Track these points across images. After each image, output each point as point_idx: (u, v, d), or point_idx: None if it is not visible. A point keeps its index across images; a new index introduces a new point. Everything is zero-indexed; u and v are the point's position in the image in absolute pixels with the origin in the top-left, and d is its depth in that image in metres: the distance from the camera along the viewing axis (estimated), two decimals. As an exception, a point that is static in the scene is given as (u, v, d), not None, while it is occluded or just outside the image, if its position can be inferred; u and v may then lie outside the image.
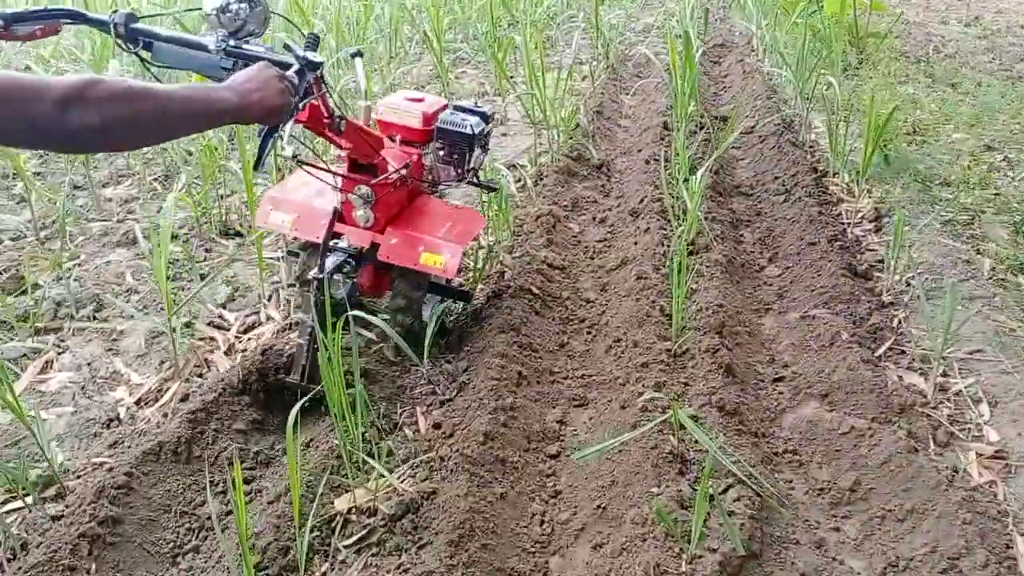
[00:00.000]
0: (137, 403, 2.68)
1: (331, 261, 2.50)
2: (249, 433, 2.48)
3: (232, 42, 1.85)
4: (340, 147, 2.44)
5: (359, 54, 2.72)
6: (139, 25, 1.87)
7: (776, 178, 4.39)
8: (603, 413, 2.57)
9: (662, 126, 5.14)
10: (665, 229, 3.71)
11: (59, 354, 2.93)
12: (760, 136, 4.99)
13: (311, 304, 2.40)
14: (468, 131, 2.78)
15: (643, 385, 2.54)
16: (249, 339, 3.03)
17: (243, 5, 1.85)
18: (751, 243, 3.83)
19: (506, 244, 3.63)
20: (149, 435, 2.40)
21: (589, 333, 3.10)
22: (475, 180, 3.01)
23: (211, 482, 2.29)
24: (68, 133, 1.20)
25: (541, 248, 3.56)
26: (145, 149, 4.76)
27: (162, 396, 2.70)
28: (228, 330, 3.09)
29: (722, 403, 2.45)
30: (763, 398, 2.70)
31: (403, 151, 2.77)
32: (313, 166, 2.38)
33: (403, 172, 2.61)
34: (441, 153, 2.84)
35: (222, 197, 4.33)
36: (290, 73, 1.61)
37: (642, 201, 4.05)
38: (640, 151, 4.94)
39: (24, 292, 3.25)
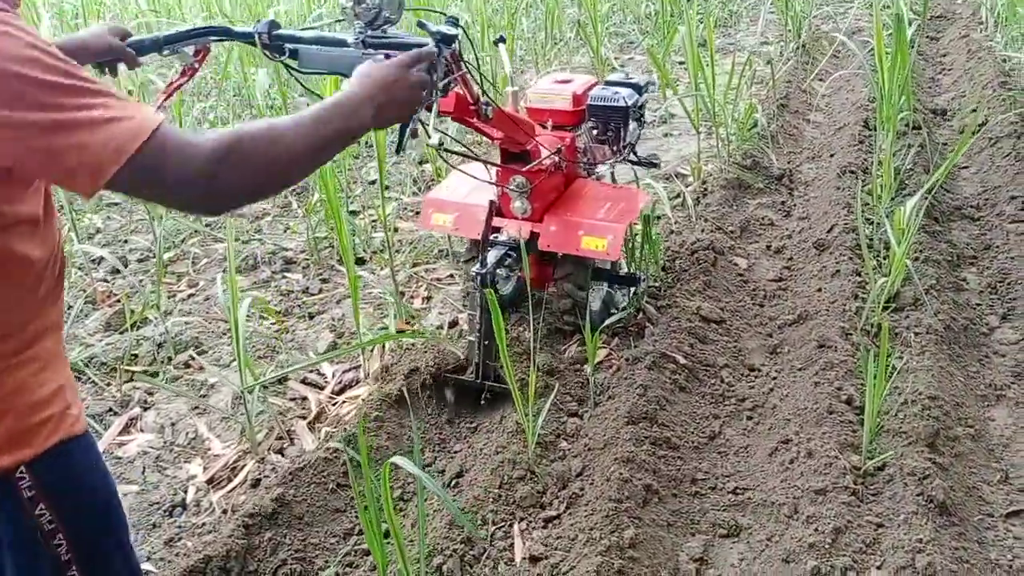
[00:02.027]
0: (209, 482, 2.36)
1: (492, 256, 2.46)
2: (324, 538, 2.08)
3: (370, 32, 1.73)
4: (490, 137, 2.37)
5: (502, 40, 2.59)
6: (282, 31, 1.81)
7: (1013, 198, 3.41)
8: (759, 555, 1.92)
9: (862, 124, 4.24)
10: (860, 273, 2.92)
11: (144, 410, 2.68)
12: (990, 137, 3.96)
13: (476, 299, 2.36)
14: (621, 104, 2.68)
15: (816, 529, 1.86)
16: (344, 402, 2.63)
17: None
18: (976, 291, 2.95)
19: (652, 286, 3.01)
20: (202, 539, 2.05)
21: (750, 419, 2.43)
22: (632, 156, 2.86)
23: (262, 609, 1.90)
24: (214, 194, 1.08)
25: (695, 295, 2.90)
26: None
27: (236, 475, 2.36)
28: (323, 389, 2.72)
29: (931, 571, 1.72)
30: (991, 546, 1.93)
31: (555, 136, 2.65)
32: (457, 153, 2.40)
33: (555, 156, 2.51)
34: (595, 132, 2.76)
35: (354, 214, 4.00)
36: (425, 50, 1.48)
37: (831, 230, 3.26)
38: (832, 156, 4.09)
39: (126, 330, 3.05)
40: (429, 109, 1.74)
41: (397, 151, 1.61)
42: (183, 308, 3.25)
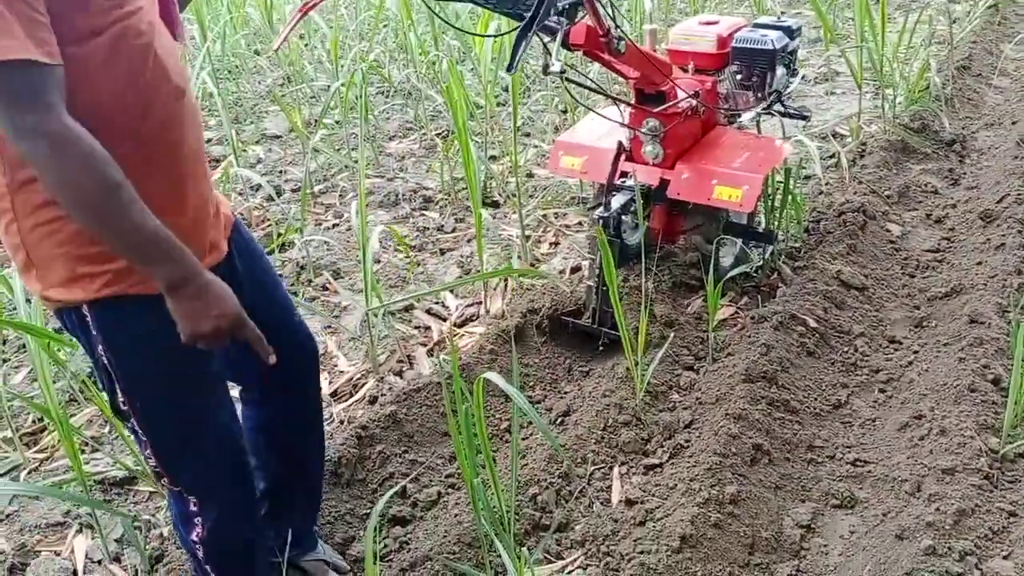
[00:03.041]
0: (332, 395, 2.49)
1: (617, 200, 2.40)
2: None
3: None
4: (624, 76, 2.27)
5: None
6: None
7: None
8: (872, 530, 1.81)
9: (1055, 90, 3.80)
10: (1029, 248, 2.65)
11: (281, 326, 2.84)
12: None
13: (597, 245, 2.26)
14: (768, 47, 2.52)
15: (938, 508, 1.72)
16: (464, 334, 2.69)
17: None
18: None
19: (791, 246, 2.85)
20: (318, 445, 2.18)
21: (882, 391, 2.27)
22: (780, 106, 2.71)
23: (367, 515, 2.00)
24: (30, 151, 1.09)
25: (837, 259, 2.73)
26: (432, 104, 4.65)
27: (356, 391, 2.47)
28: (445, 320, 2.79)
29: (1068, 567, 1.56)
30: None
31: (696, 80, 2.54)
32: (584, 86, 2.29)
33: (692, 99, 2.39)
34: (739, 77, 2.62)
35: (493, 159, 4.05)
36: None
37: (1002, 200, 2.97)
38: (1015, 124, 3.71)
39: (272, 252, 3.25)
40: (555, 36, 1.72)
41: (509, 68, 1.60)
42: (326, 236, 3.41)
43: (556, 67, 1.64)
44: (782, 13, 5.39)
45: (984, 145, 3.63)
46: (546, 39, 1.69)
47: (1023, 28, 4.84)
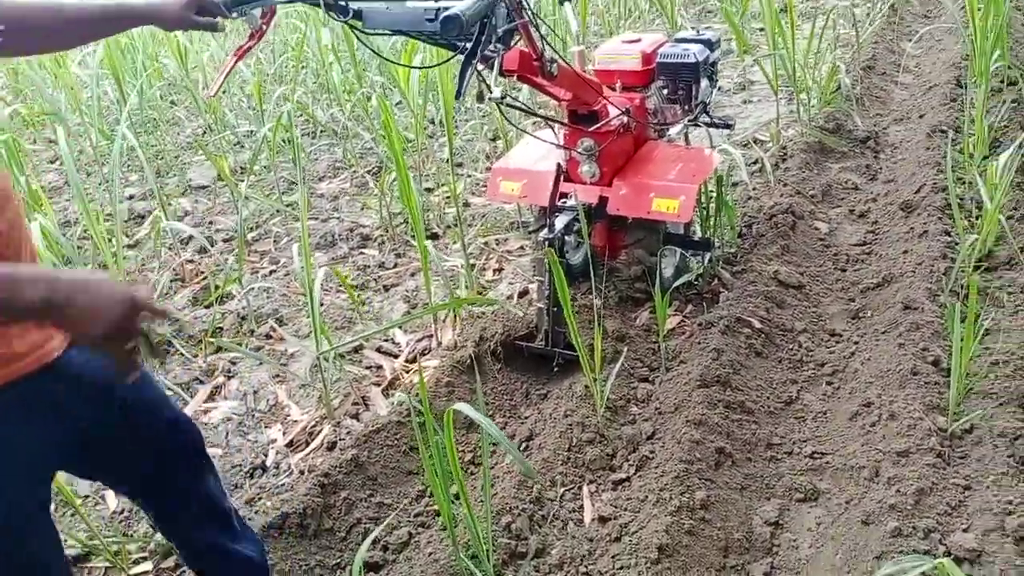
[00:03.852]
0: (288, 445, 2.44)
1: (560, 221, 2.44)
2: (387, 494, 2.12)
3: None
4: (557, 98, 2.33)
5: None
6: None
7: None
8: (837, 519, 1.86)
9: (954, 83, 4.02)
10: (950, 233, 2.78)
11: (228, 378, 2.78)
12: (1101, 89, 3.69)
13: (545, 266, 2.32)
14: (691, 60, 2.61)
15: (898, 490, 1.78)
16: (416, 369, 2.67)
17: None
18: (1082, 250, 2.76)
19: (727, 252, 2.93)
20: (280, 498, 2.13)
21: (830, 384, 2.34)
22: (705, 117, 2.78)
23: (338, 565, 1.96)
24: None
25: (772, 260, 2.81)
26: (360, 142, 4.63)
27: (313, 439, 2.42)
28: (397, 357, 2.77)
29: (1023, 533, 1.63)
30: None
31: (626, 97, 2.60)
32: (520, 109, 2.31)
33: (624, 116, 2.44)
34: (665, 91, 2.69)
35: (429, 191, 4.05)
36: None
37: (919, 190, 3.11)
38: (922, 117, 3.90)
39: (211, 304, 3.18)
40: (491, 67, 1.74)
41: (457, 97, 1.61)
42: (265, 283, 3.36)
43: (496, 93, 1.66)
44: (693, 29, 5.58)
45: (896, 139, 3.80)
46: (481, 67, 1.71)
47: (919, 27, 5.12)
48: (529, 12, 1.79)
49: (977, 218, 2.86)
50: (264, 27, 1.85)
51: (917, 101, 4.14)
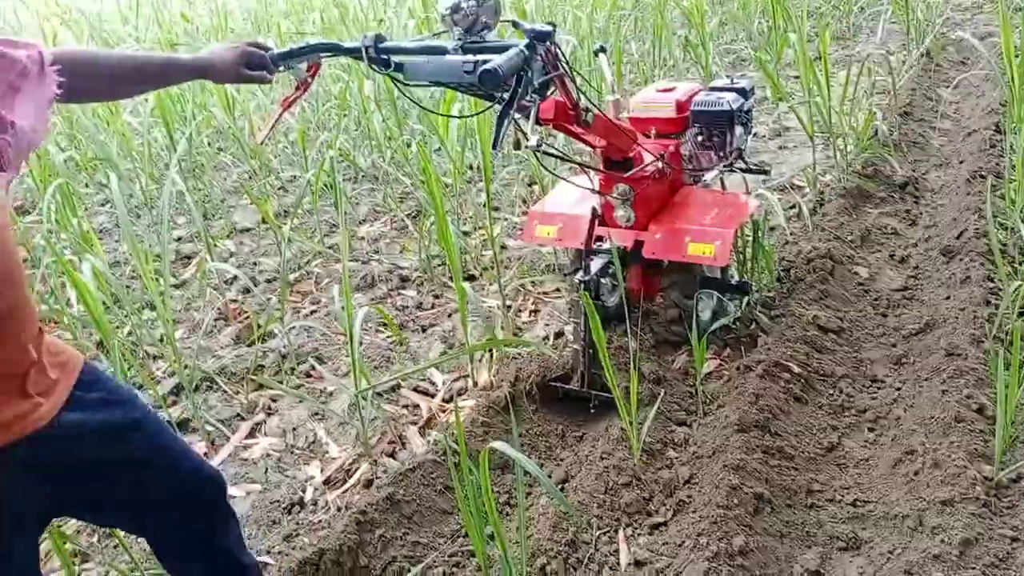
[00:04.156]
0: (326, 482, 2.46)
1: (596, 264, 2.49)
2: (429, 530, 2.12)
3: (468, 39, 1.79)
4: (591, 145, 2.36)
5: (603, 50, 2.60)
6: (387, 44, 1.87)
7: None
8: (880, 569, 1.81)
9: (993, 129, 4.00)
10: (992, 279, 2.75)
11: (268, 415, 2.82)
12: None
13: (580, 308, 2.35)
14: (725, 108, 2.64)
15: (942, 540, 1.74)
16: (452, 409, 2.69)
17: (472, 1, 1.76)
18: None
19: (765, 296, 2.92)
20: (317, 535, 2.14)
21: (871, 430, 2.31)
22: (741, 163, 2.83)
23: (373, 603, 1.96)
24: None
25: (811, 304, 2.80)
26: (400, 187, 4.72)
27: (350, 477, 2.45)
28: (433, 397, 2.79)
29: (1077, 587, 1.58)
30: None
31: (660, 144, 2.65)
32: (557, 156, 2.33)
33: (658, 162, 2.49)
34: (700, 138, 2.73)
35: (466, 234, 4.11)
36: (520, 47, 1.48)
37: (960, 235, 3.08)
38: (962, 163, 3.88)
39: (253, 343, 3.24)
40: (528, 116, 1.79)
41: (493, 146, 1.66)
42: (305, 323, 3.42)
43: (533, 141, 1.70)
44: (732, 76, 5.64)
45: (936, 184, 3.78)
46: (517, 116, 1.76)
47: (955, 73, 5.11)
48: (564, 64, 1.84)
49: (1021, 263, 2.82)
50: (310, 79, 1.92)
51: (956, 147, 4.12)
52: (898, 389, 2.43)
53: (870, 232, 3.41)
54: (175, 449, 1.48)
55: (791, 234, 3.41)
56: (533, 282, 3.45)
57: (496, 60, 1.58)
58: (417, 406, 2.76)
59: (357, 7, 6.25)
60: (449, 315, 3.34)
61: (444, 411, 2.72)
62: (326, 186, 4.65)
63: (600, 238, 2.58)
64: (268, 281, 3.96)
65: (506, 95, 1.68)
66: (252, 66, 1.72)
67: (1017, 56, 3.47)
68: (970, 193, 3.38)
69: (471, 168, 4.85)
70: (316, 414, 2.80)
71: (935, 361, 2.43)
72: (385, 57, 1.89)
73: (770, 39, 5.89)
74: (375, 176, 4.92)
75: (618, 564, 1.94)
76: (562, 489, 2.22)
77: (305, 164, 4.66)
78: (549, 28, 1.72)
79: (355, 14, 6.27)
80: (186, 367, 3.04)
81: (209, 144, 5.90)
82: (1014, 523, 1.81)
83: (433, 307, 3.47)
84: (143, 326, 3.45)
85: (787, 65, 5.36)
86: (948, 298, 2.74)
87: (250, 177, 5.29)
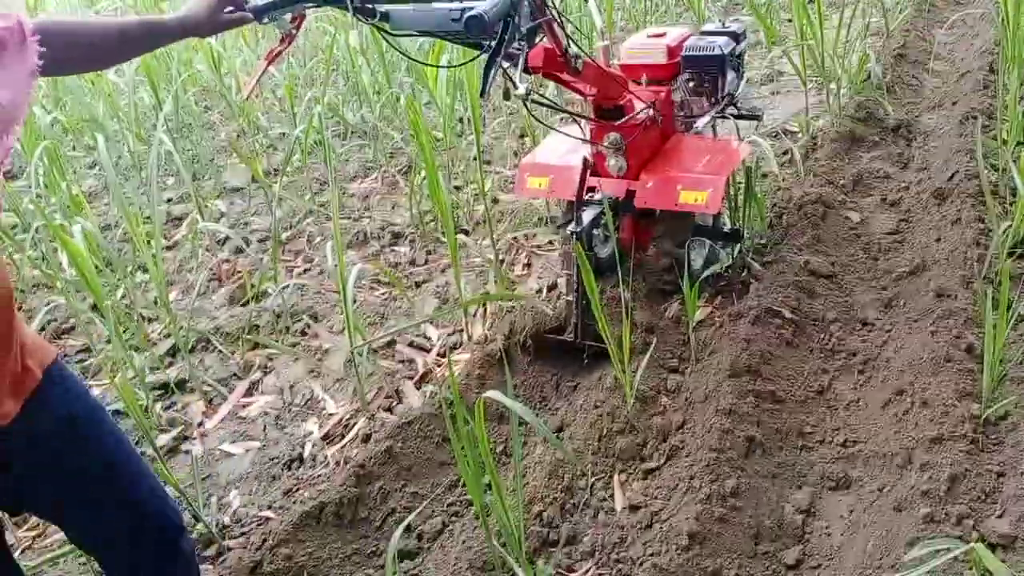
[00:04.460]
0: (324, 438, 2.49)
1: (588, 215, 2.46)
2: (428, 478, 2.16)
3: None
4: (582, 93, 2.33)
5: None
6: None
7: None
8: (869, 507, 1.85)
9: (987, 69, 3.96)
10: (984, 220, 2.75)
11: (265, 374, 2.85)
12: None
13: (573, 260, 2.33)
14: (716, 52, 2.62)
15: (931, 477, 1.78)
16: (447, 363, 2.71)
17: None
18: (1121, 234, 2.71)
19: (757, 243, 2.93)
20: (317, 488, 2.18)
21: (861, 373, 2.33)
22: (733, 109, 2.80)
23: (373, 553, 2.00)
24: None
25: (803, 250, 2.80)
26: (390, 142, 4.68)
27: (348, 432, 2.48)
28: (428, 352, 2.81)
29: (1060, 518, 1.62)
30: None
31: (651, 91, 2.60)
32: (546, 105, 2.36)
33: (649, 110, 2.46)
34: (691, 84, 2.70)
35: (458, 189, 4.09)
36: None
37: (952, 177, 3.08)
38: (955, 104, 3.85)
39: (247, 303, 3.25)
40: (516, 64, 1.77)
41: (481, 94, 1.64)
42: (299, 282, 3.42)
43: (522, 90, 1.68)
44: (724, 20, 5.55)
45: (928, 127, 3.76)
46: (506, 65, 1.73)
47: (950, 13, 5.04)
48: (552, 10, 1.81)
49: (1011, 204, 2.82)
50: (294, 31, 1.88)
51: (950, 88, 4.09)
52: (888, 331, 2.45)
53: (862, 176, 3.40)
54: (129, 473, 1.41)
55: (783, 180, 3.40)
56: (526, 235, 3.45)
57: (482, 5, 1.55)
58: (412, 361, 2.78)
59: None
60: (442, 270, 3.34)
61: (440, 365, 2.74)
62: (315, 143, 4.61)
63: (592, 188, 2.57)
64: (260, 240, 3.94)
65: (493, 43, 1.65)
66: (226, 7, 1.68)
67: (1011, -6, 3.42)
68: (962, 135, 3.37)
69: (461, 121, 4.80)
70: (312, 371, 2.82)
71: (925, 303, 2.45)
72: (370, 6, 1.85)
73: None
74: (364, 132, 4.88)
75: (613, 509, 1.98)
76: (558, 437, 2.25)
77: (294, 120, 4.60)
78: None
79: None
80: (181, 328, 3.05)
81: (196, 103, 5.83)
82: (1000, 459, 1.85)
83: (426, 263, 3.47)
84: (137, 289, 3.45)
85: (780, 8, 5.28)
86: (939, 240, 2.75)
87: (238, 136, 5.24)
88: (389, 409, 2.53)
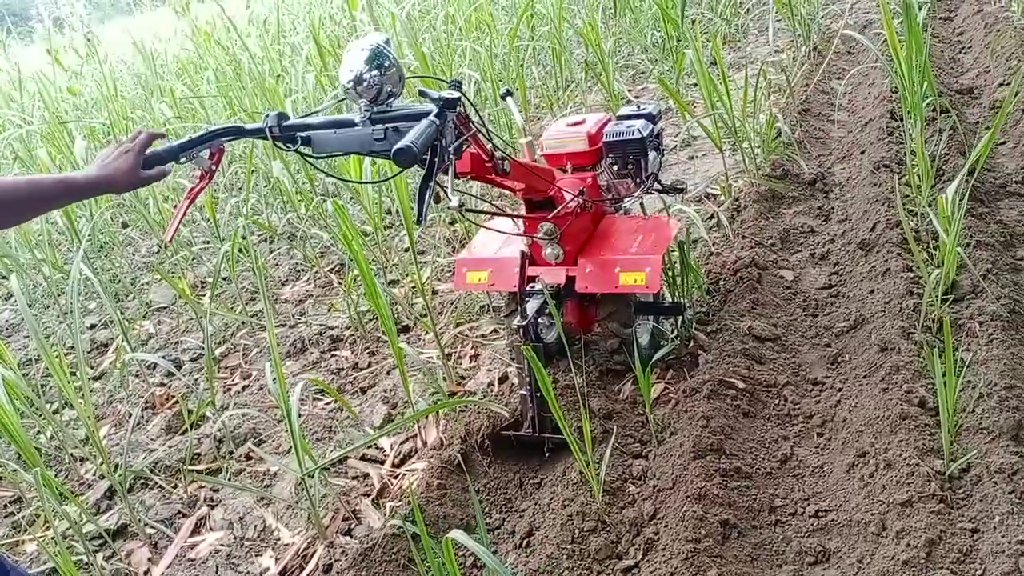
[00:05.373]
0: (282, 573, 2.34)
1: (532, 305, 2.44)
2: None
3: (375, 109, 1.76)
4: (512, 190, 2.38)
5: (509, 93, 2.59)
6: (291, 122, 1.83)
7: (1061, 165, 3.29)
8: (852, 580, 1.82)
9: (888, 116, 4.15)
10: (912, 268, 2.83)
11: (211, 508, 2.69)
12: (1025, 108, 3.84)
13: (522, 352, 2.30)
14: (636, 136, 2.68)
15: (908, 544, 1.76)
16: (405, 474, 2.61)
17: (374, 72, 1.74)
18: (1039, 268, 2.82)
19: (699, 312, 2.95)
20: (281, 634, 2.04)
21: (820, 435, 2.34)
22: (657, 186, 2.86)
23: None
24: None
25: (744, 316, 2.83)
26: (320, 243, 4.61)
27: (307, 563, 2.34)
28: (383, 463, 2.70)
29: (1041, 573, 1.62)
30: (1104, 537, 1.80)
31: (577, 178, 2.66)
32: (481, 212, 2.48)
33: (578, 198, 2.48)
34: (616, 168, 2.75)
35: (394, 283, 4.04)
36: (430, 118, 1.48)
37: (874, 228, 3.18)
38: (863, 153, 4.01)
39: (186, 431, 3.09)
40: (446, 172, 1.75)
41: (417, 221, 1.61)
42: (239, 401, 3.28)
43: (455, 202, 1.66)
44: (630, 91, 5.73)
45: (843, 178, 3.90)
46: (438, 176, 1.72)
47: (845, 64, 5.31)
48: (475, 122, 1.82)
49: (935, 249, 2.92)
50: (214, 167, 1.85)
51: (856, 138, 4.27)
52: (839, 390, 2.47)
53: (788, 233, 3.49)
54: None
55: (714, 244, 3.46)
56: (471, 327, 3.40)
57: (409, 137, 1.54)
58: (367, 475, 2.66)
59: (251, 62, 6.12)
60: (388, 372, 3.26)
61: (396, 476, 2.63)
62: (241, 250, 4.52)
63: (532, 278, 2.56)
64: (193, 359, 3.80)
65: (424, 168, 1.64)
66: (150, 165, 1.66)
67: (901, 43, 3.61)
68: (876, 184, 3.50)
69: (390, 213, 4.78)
70: (262, 499, 2.68)
71: (870, 357, 2.48)
72: (291, 134, 1.83)
73: (664, 51, 6.03)
74: (292, 234, 4.80)
75: (595, 615, 1.90)
76: (528, 543, 2.17)
77: (217, 230, 4.51)
78: (457, 94, 1.69)
79: (250, 69, 6.13)
80: (116, 467, 2.88)
81: (113, 219, 5.67)
82: (971, 514, 1.85)
83: (370, 365, 3.38)
84: (65, 427, 3.26)
85: (686, 74, 5.48)
86: (872, 292, 2.81)
87: (158, 251, 5.10)
88: (348, 532, 2.40)
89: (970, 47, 5.12)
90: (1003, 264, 2.78)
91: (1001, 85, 4.20)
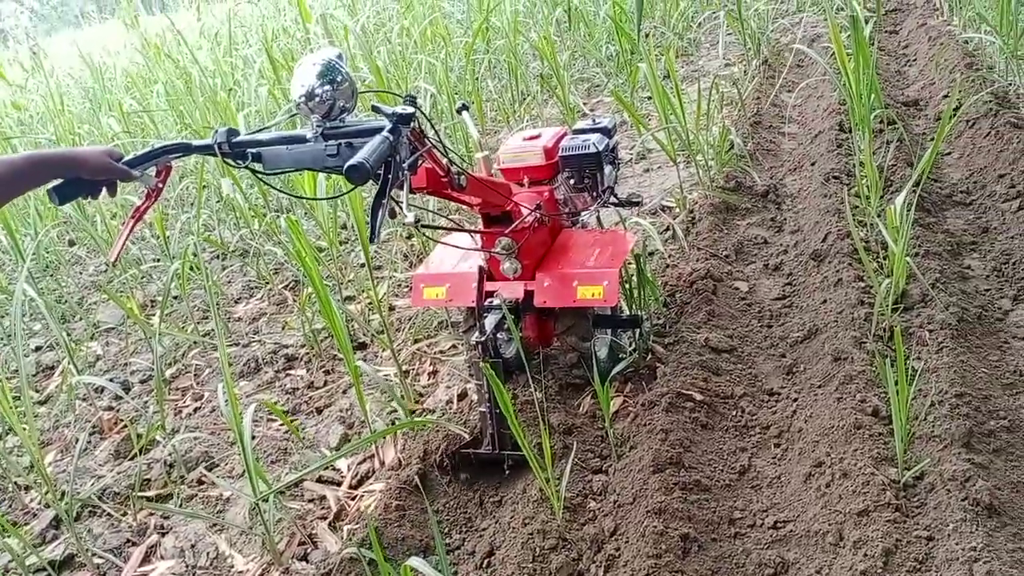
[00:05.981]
0: (237, 601, 2.28)
1: (490, 321, 2.44)
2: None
3: (328, 124, 1.73)
4: (469, 205, 2.36)
5: (465, 107, 2.58)
6: (241, 138, 1.79)
7: (1001, 176, 3.38)
8: (811, 592, 1.83)
9: (837, 128, 4.23)
10: (863, 278, 2.87)
11: (162, 535, 2.61)
12: (967, 120, 3.95)
13: (480, 370, 2.28)
14: (592, 150, 2.68)
15: (865, 553, 1.78)
16: (362, 495, 2.56)
17: (326, 87, 1.70)
18: (982, 276, 2.89)
19: (656, 324, 2.96)
20: (234, 666, 1.97)
21: (778, 445, 2.35)
22: (614, 199, 2.87)
23: None
24: None
25: (701, 327, 2.84)
26: (274, 259, 4.53)
27: (263, 590, 2.28)
28: (339, 485, 2.65)
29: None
30: (1053, 541, 1.83)
31: (533, 192, 2.66)
32: (436, 227, 2.52)
33: (535, 213, 2.48)
34: (572, 181, 2.76)
35: (350, 299, 3.99)
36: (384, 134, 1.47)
37: (826, 239, 3.22)
38: (814, 164, 4.08)
39: (135, 456, 3.00)
40: (401, 187, 1.73)
41: (371, 240, 1.59)
42: (190, 424, 3.20)
43: (410, 218, 1.64)
44: (585, 104, 5.76)
45: (794, 189, 3.96)
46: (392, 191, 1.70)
47: (793, 77, 5.41)
48: (430, 137, 1.80)
49: (885, 259, 2.97)
50: (161, 185, 1.80)
51: (806, 150, 4.34)
52: (795, 400, 2.50)
53: (742, 244, 3.53)
54: None
55: (669, 256, 3.48)
56: (429, 343, 3.37)
57: (362, 153, 1.51)
58: (324, 498, 2.61)
59: (202, 76, 6.02)
60: (344, 391, 3.20)
61: (353, 498, 2.58)
62: (193, 268, 4.42)
63: (491, 293, 2.55)
64: (142, 382, 3.70)
65: (377, 185, 1.61)
66: (116, 157, 1.62)
67: (849, 57, 3.69)
68: (827, 195, 3.55)
69: (345, 228, 4.73)
70: (215, 525, 2.60)
71: (824, 367, 2.51)
72: (240, 150, 1.79)
73: (619, 64, 6.08)
74: (245, 251, 4.72)
75: (558, 636, 1.87)
76: (489, 564, 2.15)
77: (167, 248, 4.41)
78: (411, 109, 1.67)
79: (201, 82, 6.04)
80: (63, 495, 2.78)
81: (59, 237, 5.52)
82: (926, 522, 1.87)
83: (326, 384, 3.33)
84: (7, 455, 3.14)
85: (641, 88, 5.53)
86: (825, 302, 2.85)
87: (107, 269, 4.97)
88: (304, 557, 2.35)
89: (915, 60, 5.25)
90: (951, 273, 2.84)
91: (945, 97, 4.31)
